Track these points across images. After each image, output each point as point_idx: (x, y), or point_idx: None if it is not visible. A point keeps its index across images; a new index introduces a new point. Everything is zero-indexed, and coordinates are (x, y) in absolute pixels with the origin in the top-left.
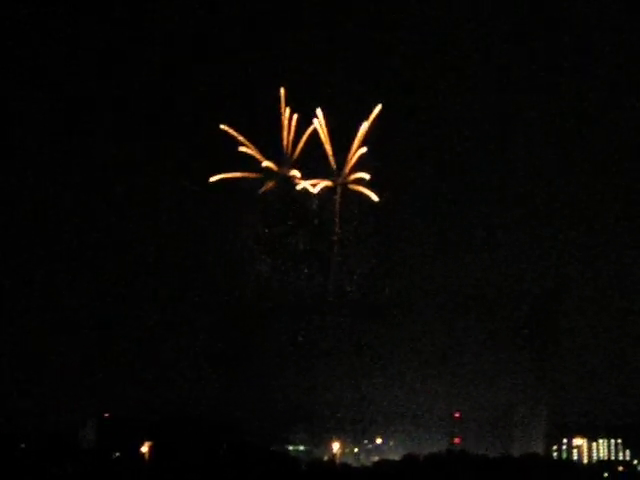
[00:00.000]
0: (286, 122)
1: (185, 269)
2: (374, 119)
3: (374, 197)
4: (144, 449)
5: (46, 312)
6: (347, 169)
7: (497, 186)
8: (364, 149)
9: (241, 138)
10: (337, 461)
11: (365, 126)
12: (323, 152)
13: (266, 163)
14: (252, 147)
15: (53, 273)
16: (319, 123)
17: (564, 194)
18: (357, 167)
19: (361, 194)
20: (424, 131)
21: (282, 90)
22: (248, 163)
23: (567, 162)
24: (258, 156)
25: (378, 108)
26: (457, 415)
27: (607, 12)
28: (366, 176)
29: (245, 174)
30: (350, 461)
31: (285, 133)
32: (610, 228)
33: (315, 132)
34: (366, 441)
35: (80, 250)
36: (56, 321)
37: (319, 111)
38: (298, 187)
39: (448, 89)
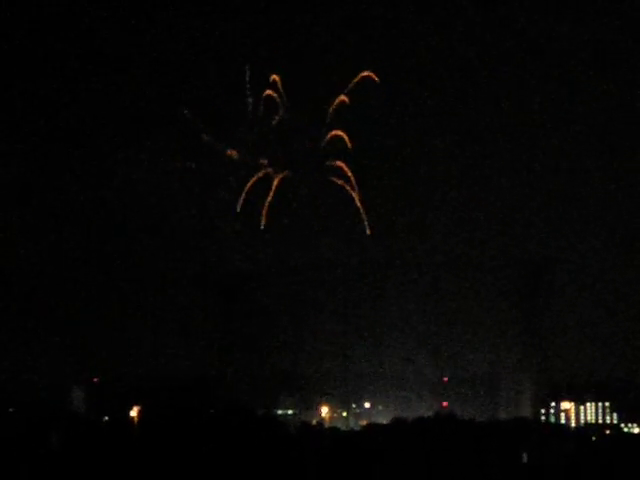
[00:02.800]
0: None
1: (166, 235)
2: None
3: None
4: (133, 413)
5: (32, 278)
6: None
7: (492, 150)
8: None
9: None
10: (326, 425)
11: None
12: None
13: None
14: (209, 136)
15: (36, 240)
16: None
17: (560, 161)
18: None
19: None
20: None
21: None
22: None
23: (568, 130)
24: (218, 145)
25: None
26: (445, 379)
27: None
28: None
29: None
30: (339, 425)
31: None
32: (605, 200)
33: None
34: (354, 405)
35: (63, 218)
36: (41, 286)
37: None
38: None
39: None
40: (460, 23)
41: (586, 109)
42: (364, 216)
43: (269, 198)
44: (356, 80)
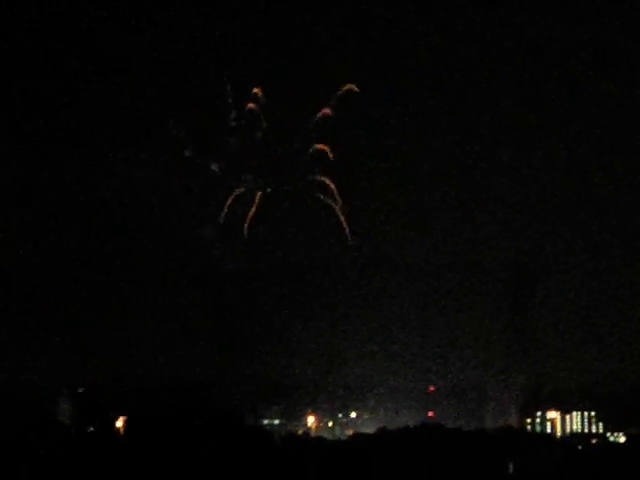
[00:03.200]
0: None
1: (153, 241)
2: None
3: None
4: (119, 423)
5: (19, 286)
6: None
7: (486, 153)
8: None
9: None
10: (312, 434)
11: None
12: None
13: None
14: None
15: (24, 246)
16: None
17: (549, 168)
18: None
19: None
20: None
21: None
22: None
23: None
24: (200, 160)
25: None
26: (431, 389)
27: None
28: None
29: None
30: (325, 434)
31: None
32: (597, 208)
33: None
34: (341, 415)
35: (51, 225)
36: (27, 293)
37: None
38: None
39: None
40: (460, 23)
41: (586, 109)
42: (346, 227)
43: (251, 213)
44: (340, 93)
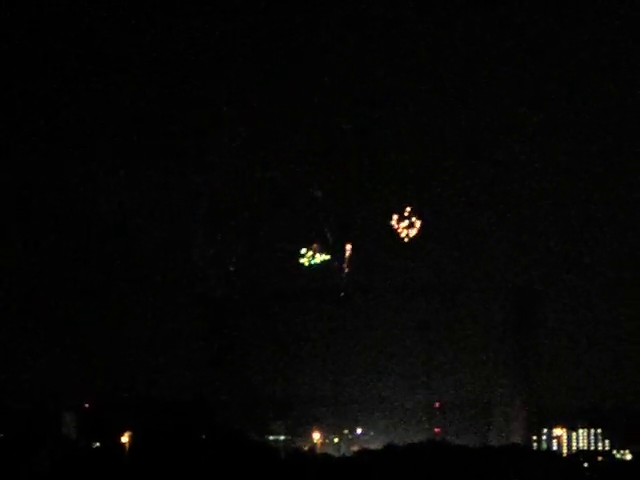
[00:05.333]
0: None
1: (157, 257)
2: None
3: None
4: (124, 439)
5: (22, 301)
6: None
7: (483, 177)
8: None
9: None
10: (318, 451)
11: None
12: None
13: None
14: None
15: (26, 260)
16: None
17: (549, 186)
18: None
19: None
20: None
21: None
22: None
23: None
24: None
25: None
26: (437, 405)
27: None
28: None
29: None
30: (331, 451)
31: None
32: (594, 224)
33: None
34: (346, 431)
35: (54, 237)
36: (34, 310)
37: None
38: None
39: None
40: (460, 23)
41: (586, 110)
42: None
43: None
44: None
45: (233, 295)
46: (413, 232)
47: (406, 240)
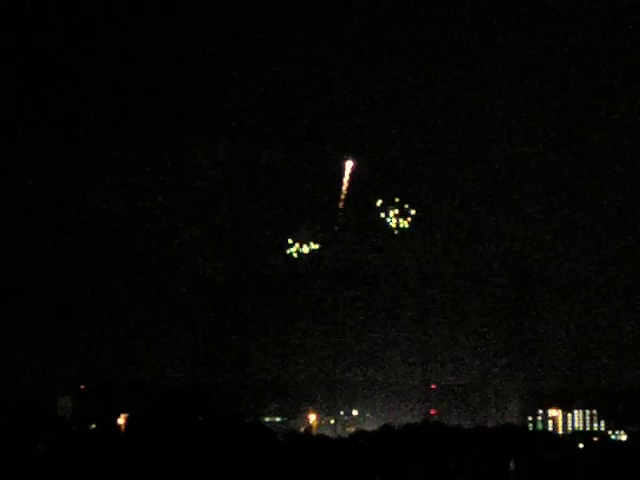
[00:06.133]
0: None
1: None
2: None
3: None
4: (120, 421)
5: (21, 285)
6: None
7: (479, 158)
8: None
9: None
10: (314, 432)
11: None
12: None
13: None
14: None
15: (27, 246)
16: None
17: (545, 172)
18: None
19: None
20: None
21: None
22: None
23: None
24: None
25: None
26: (433, 386)
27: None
28: None
29: None
30: (327, 432)
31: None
32: (590, 206)
33: None
34: (342, 412)
35: (53, 225)
36: (30, 293)
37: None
38: None
39: None
40: (460, 23)
41: (585, 109)
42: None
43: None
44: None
45: (229, 279)
46: (408, 219)
47: (402, 226)
